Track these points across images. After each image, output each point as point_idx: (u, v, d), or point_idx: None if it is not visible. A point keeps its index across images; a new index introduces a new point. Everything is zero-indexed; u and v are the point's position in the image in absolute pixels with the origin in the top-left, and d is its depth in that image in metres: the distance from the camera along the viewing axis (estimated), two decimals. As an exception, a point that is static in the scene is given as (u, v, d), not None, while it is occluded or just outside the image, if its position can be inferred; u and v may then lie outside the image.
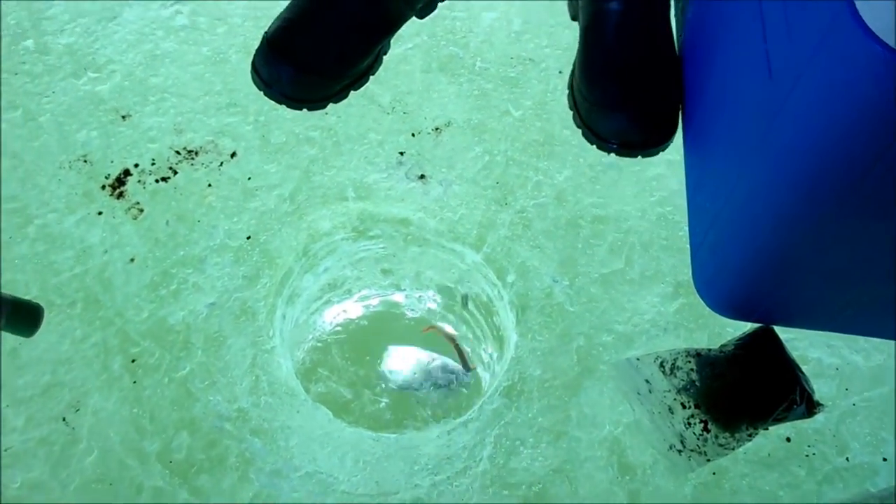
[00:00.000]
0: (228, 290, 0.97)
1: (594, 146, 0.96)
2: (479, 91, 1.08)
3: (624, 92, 0.93)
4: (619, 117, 0.93)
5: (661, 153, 0.96)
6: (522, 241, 0.99)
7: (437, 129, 1.06)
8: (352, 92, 1.05)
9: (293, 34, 0.96)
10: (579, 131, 0.99)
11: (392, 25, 1.02)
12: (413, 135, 1.06)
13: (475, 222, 1.00)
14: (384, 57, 1.07)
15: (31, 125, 1.06)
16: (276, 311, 0.97)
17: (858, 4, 0.54)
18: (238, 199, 1.02)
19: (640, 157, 0.94)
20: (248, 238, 1.00)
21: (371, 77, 1.04)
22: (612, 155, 0.97)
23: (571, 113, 1.00)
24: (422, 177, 1.04)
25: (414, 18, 1.07)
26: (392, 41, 1.10)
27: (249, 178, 1.03)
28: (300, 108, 0.99)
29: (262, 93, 0.97)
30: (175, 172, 1.03)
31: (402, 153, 1.05)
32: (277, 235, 1.00)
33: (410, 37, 1.12)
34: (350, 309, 0.99)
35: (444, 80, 1.10)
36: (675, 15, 1.02)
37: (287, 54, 0.95)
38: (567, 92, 1.02)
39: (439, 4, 1.07)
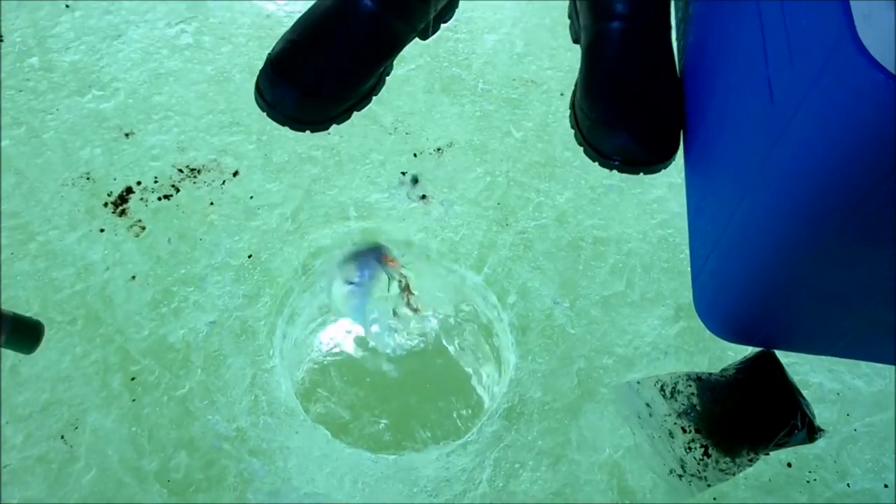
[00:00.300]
0: (229, 309, 0.97)
1: (596, 163, 0.96)
2: (482, 112, 1.09)
3: (626, 110, 0.94)
4: (620, 135, 0.94)
5: (662, 173, 0.97)
6: (523, 262, 0.99)
7: (438, 149, 1.07)
8: (354, 113, 1.06)
9: (297, 56, 0.97)
10: (581, 151, 1.00)
11: (394, 47, 1.02)
12: (415, 155, 1.06)
13: (476, 243, 1.00)
14: (387, 78, 1.07)
15: (34, 142, 1.06)
16: (276, 331, 0.97)
17: (860, 30, 0.54)
18: (240, 218, 1.02)
19: (641, 174, 0.95)
20: (250, 257, 1.00)
21: (374, 98, 1.05)
22: (614, 176, 0.98)
23: (573, 132, 1.00)
24: (423, 197, 1.04)
25: (416, 40, 1.07)
26: (395, 62, 1.11)
27: (251, 197, 1.03)
28: (303, 130, 0.99)
29: (265, 114, 0.98)
30: (177, 190, 1.04)
31: (403, 173, 1.05)
32: (279, 254, 1.00)
33: (413, 58, 1.13)
34: (349, 329, 0.99)
35: (446, 101, 1.10)
36: (677, 38, 1.03)
37: (291, 76, 0.96)
38: (569, 111, 1.03)
39: (442, 26, 1.08)
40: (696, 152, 0.93)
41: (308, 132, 0.98)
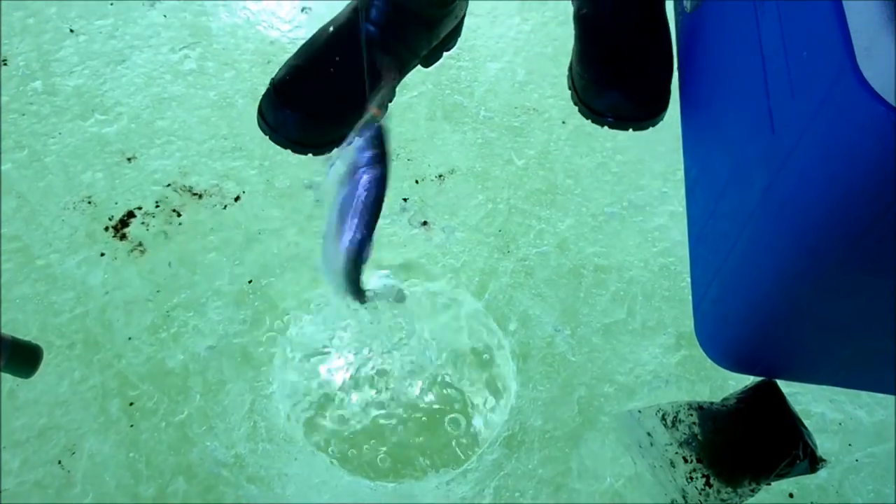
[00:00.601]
0: (228, 335, 0.97)
1: (589, 121, 1.00)
2: (483, 139, 1.09)
3: (616, 70, 0.98)
4: (612, 94, 0.98)
5: (663, 201, 0.98)
6: (524, 289, 0.99)
7: (440, 176, 1.07)
8: (357, 138, 1.06)
9: (300, 80, 0.97)
10: (582, 178, 1.01)
11: (397, 73, 1.03)
12: (417, 181, 1.07)
13: (477, 269, 1.00)
14: (389, 104, 1.08)
15: (36, 166, 1.06)
16: (275, 357, 0.96)
17: (861, 63, 0.55)
18: (241, 243, 1.02)
19: (631, 129, 0.99)
20: (250, 282, 1.00)
21: None
22: (616, 203, 0.99)
23: (570, 93, 1.03)
24: (424, 223, 1.04)
25: (419, 67, 1.08)
26: (398, 89, 1.11)
27: (253, 222, 1.03)
28: (305, 153, 1.00)
29: (267, 137, 0.98)
30: (179, 215, 1.04)
31: (405, 199, 1.05)
32: (279, 280, 1.00)
33: (416, 85, 1.13)
34: (349, 355, 0.99)
35: (448, 129, 1.11)
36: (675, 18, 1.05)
37: (293, 100, 0.96)
38: (567, 73, 1.05)
39: (444, 54, 1.09)
40: (697, 180, 0.93)
41: (310, 155, 0.99)
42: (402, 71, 1.04)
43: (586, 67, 1.02)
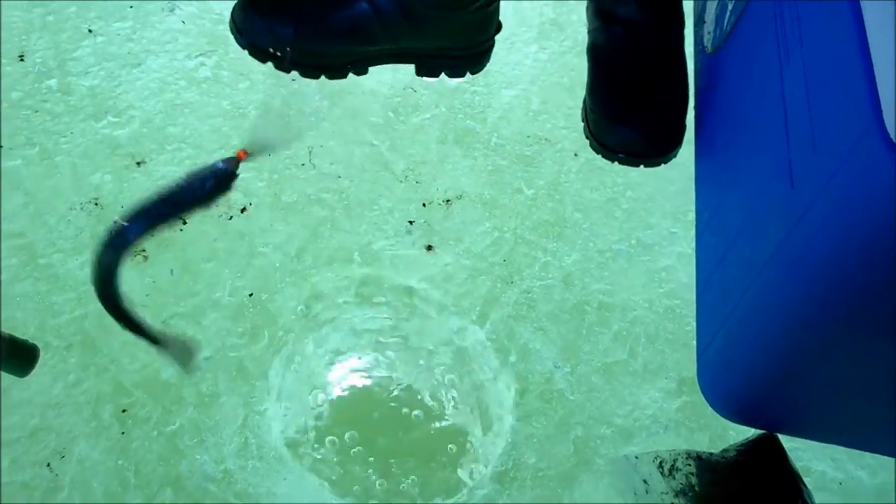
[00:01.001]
0: (225, 347, 0.96)
1: (600, 155, 1.00)
2: (493, 167, 1.09)
3: (628, 107, 0.98)
4: (623, 130, 0.98)
5: (672, 242, 0.97)
6: (526, 321, 0.98)
7: (447, 200, 1.07)
8: (365, 154, 1.06)
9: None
10: (591, 212, 1.01)
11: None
12: (424, 204, 1.06)
13: (479, 298, 0.99)
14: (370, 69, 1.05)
15: (46, 164, 1.06)
16: (271, 372, 0.95)
17: (888, 121, 0.54)
18: (244, 255, 1.02)
19: (642, 166, 0.98)
20: (251, 295, 0.99)
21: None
22: (623, 241, 0.98)
23: (582, 125, 1.03)
24: (429, 247, 1.03)
25: (435, 88, 1.08)
26: (410, 109, 1.11)
27: (257, 235, 1.03)
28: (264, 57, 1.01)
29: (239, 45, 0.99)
30: (184, 223, 1.03)
31: (411, 222, 1.05)
32: (279, 295, 0.99)
33: (428, 107, 1.13)
34: (345, 377, 0.98)
35: (458, 153, 1.10)
36: (695, 39, 1.04)
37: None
38: (582, 105, 1.05)
39: (459, 80, 1.09)
40: (708, 224, 0.93)
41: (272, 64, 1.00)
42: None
43: (598, 101, 1.01)
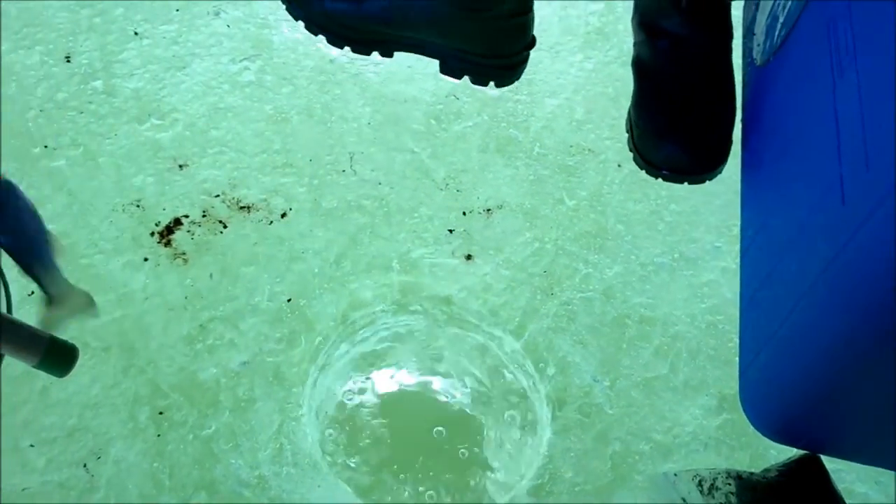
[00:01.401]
0: (263, 352, 0.96)
1: (643, 171, 0.98)
2: (535, 176, 1.08)
3: (673, 121, 0.96)
4: (667, 146, 0.95)
5: (715, 256, 0.95)
6: (566, 334, 0.97)
7: (488, 209, 1.06)
8: (405, 162, 1.05)
9: None
10: (634, 224, 0.99)
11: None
12: (464, 213, 1.06)
13: (518, 309, 0.99)
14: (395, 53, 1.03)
15: (90, 165, 1.07)
16: (307, 379, 0.95)
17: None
18: (283, 260, 1.02)
19: (686, 183, 0.96)
20: (289, 300, 0.99)
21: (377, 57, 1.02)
22: (666, 254, 0.96)
23: (626, 136, 1.01)
24: (469, 256, 1.03)
25: (478, 96, 1.07)
26: (452, 117, 1.11)
27: (297, 241, 1.03)
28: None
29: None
30: (225, 226, 1.04)
31: (451, 230, 1.04)
32: (317, 301, 0.99)
33: (470, 115, 1.12)
34: (381, 385, 0.97)
35: (500, 162, 1.09)
36: (743, 53, 1.02)
37: None
38: (626, 117, 1.04)
39: (503, 89, 1.07)
40: (753, 240, 0.91)
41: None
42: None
43: (643, 116, 0.99)
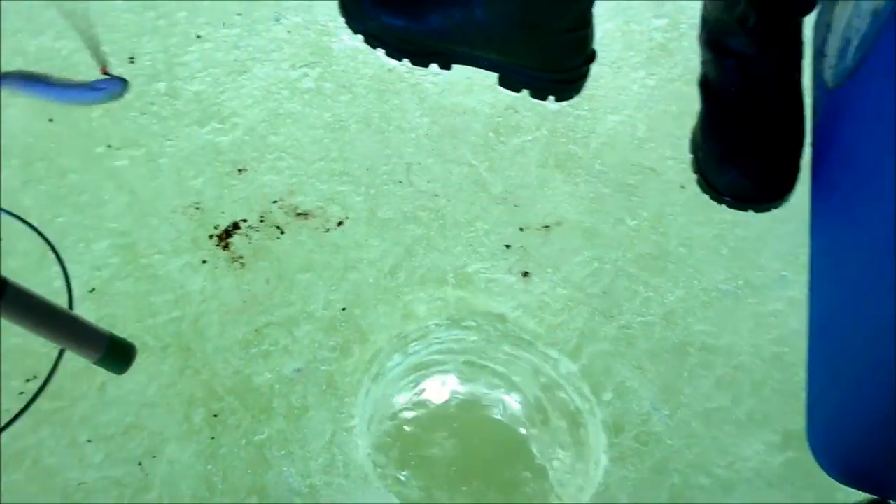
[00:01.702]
0: (317, 360, 0.96)
1: (707, 196, 0.97)
2: (595, 194, 1.07)
3: (739, 146, 0.94)
4: (732, 171, 0.94)
5: (783, 286, 0.93)
6: (624, 358, 0.95)
7: (546, 226, 1.05)
8: (462, 174, 1.04)
9: None
10: (695, 248, 0.97)
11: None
12: (521, 229, 1.04)
13: (575, 330, 0.97)
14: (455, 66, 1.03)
15: (151, 165, 1.08)
16: (360, 390, 0.95)
17: None
18: (339, 269, 1.02)
19: (751, 211, 0.94)
20: (344, 309, 0.99)
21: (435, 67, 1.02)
22: (730, 281, 0.94)
23: (690, 158, 1.00)
24: (525, 274, 1.01)
25: (538, 110, 1.06)
26: (511, 130, 1.10)
27: (353, 250, 1.03)
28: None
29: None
30: (282, 232, 1.04)
31: (507, 246, 1.03)
32: (372, 311, 0.99)
33: (530, 129, 1.11)
34: (433, 400, 0.97)
35: (559, 178, 1.08)
36: (812, 77, 1.00)
37: None
38: (690, 137, 1.02)
39: (563, 103, 1.05)
40: (823, 270, 0.89)
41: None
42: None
43: (708, 138, 0.98)
